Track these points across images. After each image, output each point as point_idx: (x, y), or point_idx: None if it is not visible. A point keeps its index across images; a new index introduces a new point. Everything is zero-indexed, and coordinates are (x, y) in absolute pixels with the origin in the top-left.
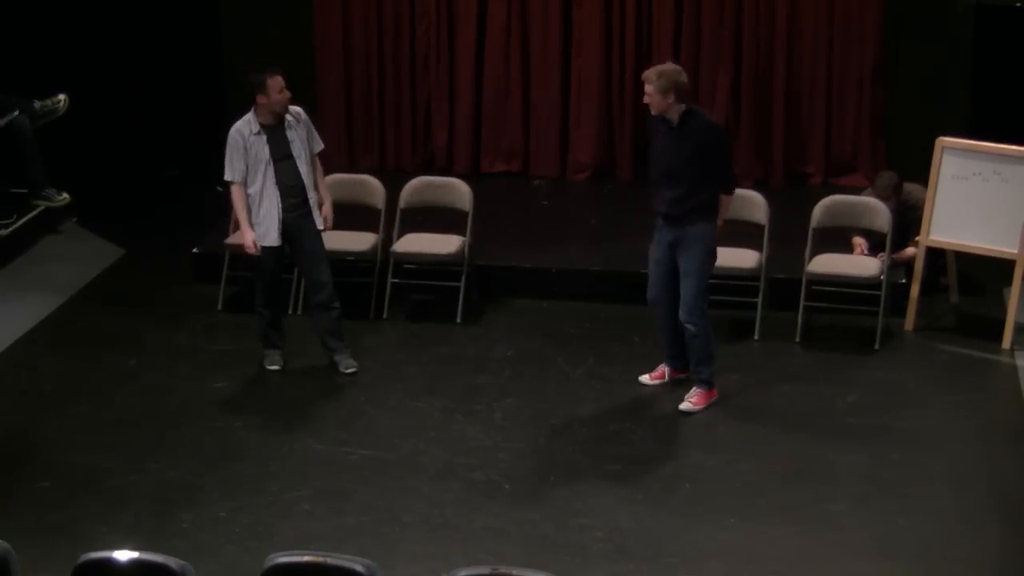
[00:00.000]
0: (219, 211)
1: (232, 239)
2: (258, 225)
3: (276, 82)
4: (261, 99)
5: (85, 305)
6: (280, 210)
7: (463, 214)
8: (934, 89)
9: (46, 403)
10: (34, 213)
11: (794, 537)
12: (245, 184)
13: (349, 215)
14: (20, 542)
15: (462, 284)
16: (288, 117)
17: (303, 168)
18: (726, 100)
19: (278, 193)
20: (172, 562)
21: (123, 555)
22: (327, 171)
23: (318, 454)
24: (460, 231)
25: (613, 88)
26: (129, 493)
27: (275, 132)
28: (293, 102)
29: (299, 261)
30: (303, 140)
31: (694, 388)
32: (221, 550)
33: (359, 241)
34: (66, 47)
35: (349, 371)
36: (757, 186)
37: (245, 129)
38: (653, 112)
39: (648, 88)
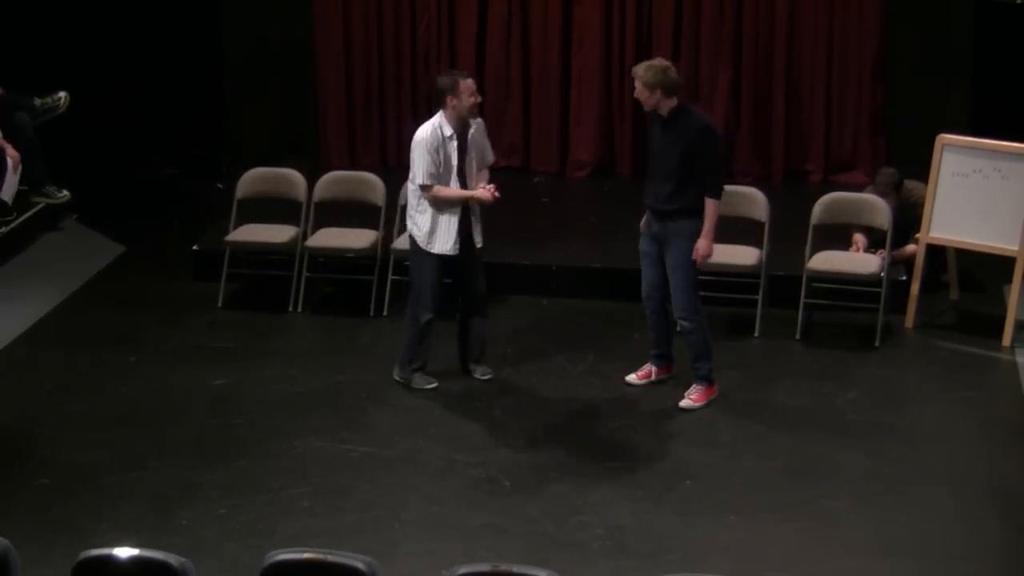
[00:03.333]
0: (219, 209)
1: (233, 236)
2: (436, 234)
3: (468, 84)
4: (451, 101)
5: (85, 302)
6: (459, 221)
7: None
8: (934, 86)
9: (46, 400)
10: (35, 210)
11: (794, 534)
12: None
13: (350, 213)
14: (20, 539)
15: None
16: (472, 125)
17: (473, 180)
18: (726, 98)
19: (461, 205)
20: (172, 559)
21: (123, 552)
22: (328, 168)
23: (318, 451)
24: None
25: (613, 86)
26: (129, 490)
27: (461, 140)
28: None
29: (461, 270)
30: (480, 151)
31: (694, 385)
32: (221, 547)
33: (359, 238)
34: (67, 45)
35: (486, 377)
36: (757, 183)
37: (439, 132)
38: (646, 109)
39: (636, 83)
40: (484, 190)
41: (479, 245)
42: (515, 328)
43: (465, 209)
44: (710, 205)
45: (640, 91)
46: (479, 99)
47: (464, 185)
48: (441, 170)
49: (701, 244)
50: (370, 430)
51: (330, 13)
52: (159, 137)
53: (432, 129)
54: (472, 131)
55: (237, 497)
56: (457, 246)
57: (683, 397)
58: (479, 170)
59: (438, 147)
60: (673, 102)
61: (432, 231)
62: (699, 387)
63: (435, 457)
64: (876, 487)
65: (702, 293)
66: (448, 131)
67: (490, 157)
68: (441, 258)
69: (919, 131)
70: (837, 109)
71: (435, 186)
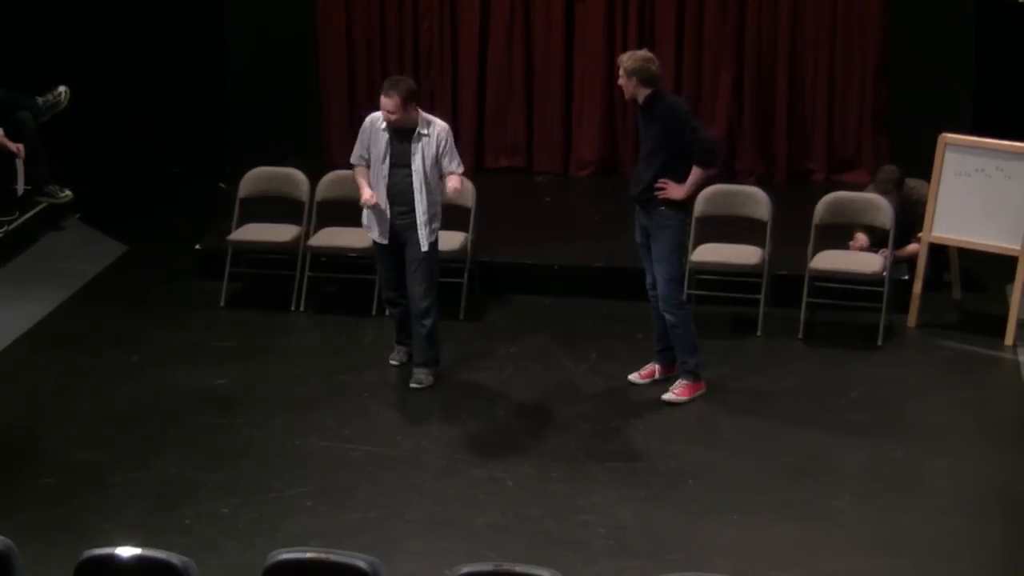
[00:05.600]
0: (222, 208)
1: (235, 235)
2: (369, 220)
3: (382, 101)
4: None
5: (87, 302)
6: (389, 211)
7: (466, 210)
8: (937, 85)
9: (48, 399)
10: (37, 210)
11: (796, 533)
12: (367, 167)
13: (351, 211)
14: (23, 538)
15: (465, 280)
16: (422, 129)
17: (417, 182)
18: (729, 97)
19: (386, 195)
20: (175, 558)
21: (126, 551)
22: (331, 168)
23: (321, 451)
24: (463, 227)
25: (616, 85)
26: (131, 489)
27: (403, 137)
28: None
29: (405, 268)
30: (429, 156)
31: (679, 380)
32: (224, 547)
33: (362, 238)
34: (69, 44)
35: (412, 386)
36: (760, 182)
37: (378, 121)
38: (626, 97)
39: (619, 72)
40: (367, 193)
41: (423, 248)
42: (518, 327)
43: (403, 204)
44: (696, 171)
45: (620, 78)
46: (391, 117)
47: (408, 181)
48: (368, 155)
49: (675, 186)
50: (373, 429)
51: (333, 12)
52: (162, 136)
53: (374, 115)
54: (421, 133)
55: (240, 496)
56: (383, 237)
57: (667, 391)
58: (443, 176)
59: (371, 133)
60: (648, 91)
61: (368, 217)
62: (684, 382)
63: (438, 456)
64: (878, 486)
65: (705, 292)
66: (383, 124)
67: (452, 166)
68: (379, 246)
69: (922, 130)
70: (840, 108)
71: (357, 167)
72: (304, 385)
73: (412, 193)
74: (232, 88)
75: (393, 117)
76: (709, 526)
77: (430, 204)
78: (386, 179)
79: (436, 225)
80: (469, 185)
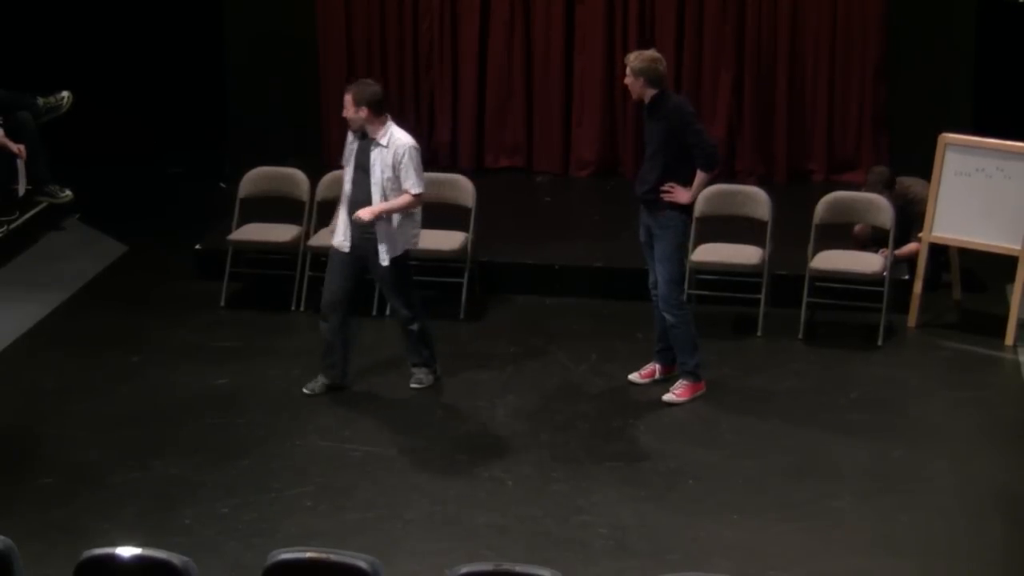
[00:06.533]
0: (222, 208)
1: (236, 235)
2: (336, 225)
3: (344, 98)
4: None
5: (87, 302)
6: (348, 218)
7: (466, 210)
8: (937, 85)
9: (48, 400)
10: (37, 210)
11: (796, 533)
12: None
13: None
14: (23, 538)
15: (465, 280)
16: (380, 139)
17: (377, 194)
18: (729, 97)
19: (349, 201)
20: (175, 558)
21: (126, 552)
22: (331, 168)
23: (321, 451)
24: (463, 227)
25: (616, 85)
26: (131, 490)
27: (366, 144)
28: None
29: (379, 285)
30: (387, 167)
31: (680, 380)
32: (224, 547)
33: None
34: (69, 44)
35: (413, 385)
36: (760, 182)
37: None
38: (633, 97)
39: (626, 71)
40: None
41: (383, 263)
42: (517, 327)
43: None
44: (700, 175)
45: (627, 77)
46: (346, 115)
47: (366, 190)
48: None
49: (681, 191)
50: (372, 429)
51: (333, 11)
52: (162, 136)
53: None
54: (380, 143)
55: (239, 496)
56: (345, 242)
57: (668, 391)
58: (401, 192)
59: (348, 141)
60: (654, 91)
61: (335, 222)
62: (684, 382)
63: (437, 456)
64: (878, 486)
65: (705, 292)
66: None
67: (407, 184)
68: (336, 252)
69: (922, 130)
70: (840, 108)
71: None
72: (303, 385)
73: (369, 202)
74: (232, 88)
75: (345, 114)
76: (709, 526)
77: (388, 217)
78: (351, 185)
79: (400, 238)
80: (469, 185)
